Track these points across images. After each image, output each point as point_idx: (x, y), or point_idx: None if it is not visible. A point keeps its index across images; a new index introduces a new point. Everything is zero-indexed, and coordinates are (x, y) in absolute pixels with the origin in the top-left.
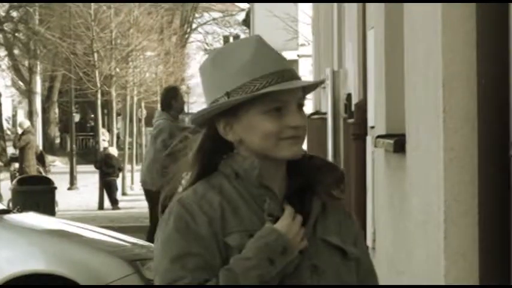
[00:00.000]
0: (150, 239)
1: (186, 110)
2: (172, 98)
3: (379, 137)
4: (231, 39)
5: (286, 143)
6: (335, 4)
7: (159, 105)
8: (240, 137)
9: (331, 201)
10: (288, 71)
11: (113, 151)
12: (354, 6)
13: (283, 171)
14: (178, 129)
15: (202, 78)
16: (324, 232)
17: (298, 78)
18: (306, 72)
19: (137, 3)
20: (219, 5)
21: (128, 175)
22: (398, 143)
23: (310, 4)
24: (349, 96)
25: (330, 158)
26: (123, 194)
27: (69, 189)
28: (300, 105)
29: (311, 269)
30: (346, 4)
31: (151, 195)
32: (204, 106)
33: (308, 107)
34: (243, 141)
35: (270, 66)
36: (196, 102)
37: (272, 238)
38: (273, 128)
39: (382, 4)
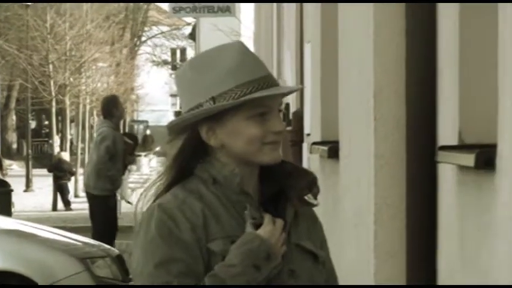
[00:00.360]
0: (96, 238)
1: (135, 117)
2: (113, 106)
3: (314, 143)
4: (178, 52)
5: (268, 148)
6: (275, 19)
7: None
8: (223, 141)
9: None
10: (269, 77)
11: (65, 156)
12: (293, 20)
13: (257, 176)
14: (120, 136)
15: (181, 83)
16: (298, 237)
17: (278, 84)
18: None
19: (90, 18)
20: (167, 20)
21: (80, 178)
22: (332, 150)
23: (252, 19)
24: (287, 105)
25: None
26: (76, 196)
27: (25, 191)
28: (279, 111)
29: (288, 274)
30: (285, 18)
31: (93, 198)
32: (151, 114)
33: None
34: (225, 146)
35: (254, 72)
36: (144, 111)
37: (255, 244)
38: (257, 133)
39: (319, 19)
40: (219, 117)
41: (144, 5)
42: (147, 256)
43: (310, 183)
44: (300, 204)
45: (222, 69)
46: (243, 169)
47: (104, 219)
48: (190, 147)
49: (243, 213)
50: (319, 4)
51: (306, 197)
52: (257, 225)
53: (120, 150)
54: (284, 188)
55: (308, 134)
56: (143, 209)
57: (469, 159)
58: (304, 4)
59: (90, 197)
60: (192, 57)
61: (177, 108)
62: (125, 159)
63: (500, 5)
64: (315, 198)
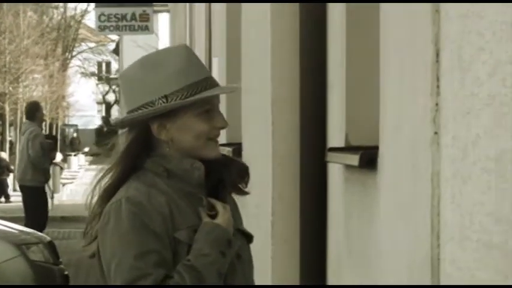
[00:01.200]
0: (29, 226)
1: (66, 122)
2: (36, 110)
3: (221, 145)
4: (104, 65)
5: (212, 144)
6: (188, 36)
7: None
8: (172, 136)
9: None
10: (211, 77)
11: (4, 155)
12: (202, 37)
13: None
14: (44, 135)
15: (130, 82)
16: (236, 223)
17: (218, 84)
18: None
19: (27, 35)
20: (94, 37)
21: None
22: (236, 151)
23: (168, 36)
24: None
25: None
26: (14, 190)
27: None
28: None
29: (237, 257)
30: (196, 35)
31: (28, 190)
32: (80, 119)
33: None
34: (174, 140)
35: (200, 73)
36: (74, 116)
37: (219, 233)
38: (205, 128)
39: (225, 36)
40: (170, 113)
41: (74, 24)
42: (124, 248)
43: (243, 172)
44: (235, 192)
45: (172, 70)
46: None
47: (36, 208)
48: (140, 141)
49: (196, 204)
50: (224, 22)
51: (240, 186)
52: (211, 216)
53: (46, 147)
54: (221, 179)
55: None
56: (93, 201)
57: (354, 159)
58: (212, 22)
59: (25, 189)
60: (141, 58)
61: (103, 114)
62: (49, 155)
63: (381, 9)
64: (246, 186)
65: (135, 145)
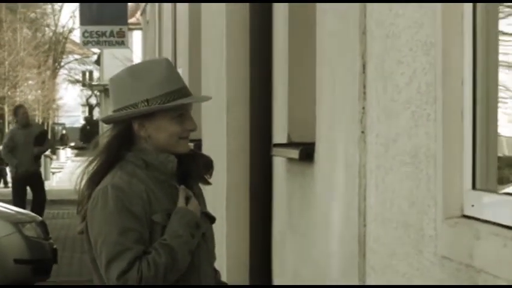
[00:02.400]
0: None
1: (56, 121)
2: (17, 111)
3: None
4: (87, 73)
5: (183, 142)
6: (157, 49)
7: (36, 118)
8: (150, 134)
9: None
10: (186, 87)
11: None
12: (169, 51)
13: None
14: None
15: (117, 86)
16: (202, 207)
17: (191, 94)
18: None
19: (22, 47)
20: (79, 50)
21: None
22: (197, 146)
23: (140, 50)
24: None
25: None
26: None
27: None
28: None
29: (202, 236)
30: (164, 49)
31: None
32: (67, 119)
33: None
34: (151, 137)
35: (177, 83)
36: (63, 116)
37: (190, 217)
38: (178, 130)
39: (187, 51)
40: (150, 115)
41: (63, 39)
42: (109, 227)
43: (208, 165)
44: (201, 182)
45: (155, 79)
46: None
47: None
48: (122, 136)
49: (169, 191)
50: (187, 40)
51: (205, 176)
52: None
53: (19, 143)
54: (190, 170)
55: None
56: (81, 185)
57: (294, 153)
58: (177, 38)
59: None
60: (129, 66)
61: (86, 115)
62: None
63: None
64: (211, 177)
65: (117, 139)
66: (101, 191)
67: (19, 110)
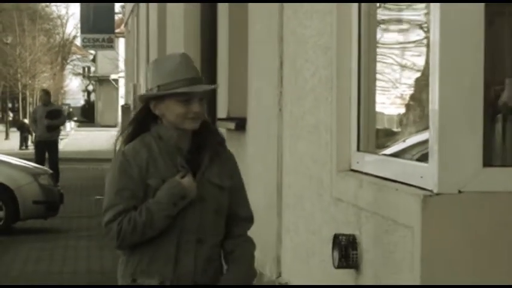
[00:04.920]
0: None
1: (64, 102)
2: (43, 94)
3: None
4: (86, 69)
5: (189, 121)
6: (135, 52)
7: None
8: (163, 112)
9: (219, 154)
10: (196, 78)
11: (26, 121)
12: (144, 53)
13: (189, 135)
14: (42, 109)
15: (147, 72)
16: (210, 176)
17: (202, 83)
18: (121, 84)
19: (39, 49)
20: (80, 52)
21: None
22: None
23: (124, 52)
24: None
25: None
26: (32, 142)
27: (5, 139)
28: (201, 99)
29: (199, 198)
30: (140, 52)
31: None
32: (71, 100)
33: (122, 102)
34: (164, 116)
35: (187, 73)
36: (68, 99)
37: (177, 189)
38: (182, 111)
39: (156, 49)
40: (161, 98)
41: (69, 43)
42: (110, 185)
43: (219, 141)
44: (213, 154)
45: (167, 69)
46: (178, 131)
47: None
48: (143, 113)
49: (174, 161)
50: (155, 45)
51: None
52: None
53: (38, 116)
54: (203, 143)
55: None
56: (117, 148)
57: (232, 125)
58: (150, 44)
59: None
60: (156, 58)
61: (85, 98)
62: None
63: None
64: (223, 151)
65: (140, 114)
66: (115, 155)
67: (42, 93)
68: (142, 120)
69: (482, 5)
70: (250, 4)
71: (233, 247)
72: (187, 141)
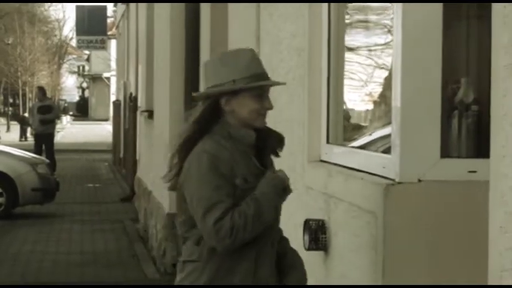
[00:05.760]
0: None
1: (61, 97)
2: (39, 91)
3: (142, 111)
4: (81, 67)
5: (261, 117)
6: (126, 52)
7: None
8: (234, 109)
9: (277, 152)
10: (266, 73)
11: (26, 115)
12: (133, 53)
13: (254, 134)
14: (37, 106)
15: (209, 68)
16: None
17: (269, 78)
18: (113, 82)
19: (38, 50)
20: (75, 52)
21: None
22: (151, 114)
23: (115, 52)
24: (131, 93)
25: (122, 121)
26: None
27: (6, 132)
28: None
29: None
30: (130, 52)
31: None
32: (67, 96)
33: (114, 98)
34: (234, 111)
35: (259, 68)
36: (64, 95)
37: (277, 181)
38: (257, 107)
39: (145, 52)
40: (235, 93)
41: (65, 44)
42: (203, 184)
43: (280, 140)
44: (273, 154)
45: (241, 63)
46: (247, 129)
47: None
48: (211, 110)
49: (247, 160)
50: (144, 45)
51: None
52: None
53: (34, 111)
54: (266, 144)
55: (139, 107)
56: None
57: None
58: (139, 45)
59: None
60: (220, 53)
61: (80, 94)
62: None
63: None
64: (281, 150)
65: (207, 112)
66: (196, 156)
67: (38, 89)
68: (209, 118)
69: (440, 10)
70: (230, 4)
71: (283, 249)
72: (253, 139)
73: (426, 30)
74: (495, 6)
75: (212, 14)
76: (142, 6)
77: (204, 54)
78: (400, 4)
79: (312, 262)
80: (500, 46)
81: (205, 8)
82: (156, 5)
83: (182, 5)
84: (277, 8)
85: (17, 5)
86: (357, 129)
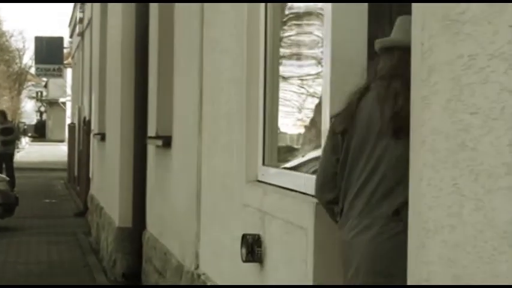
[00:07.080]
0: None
1: (20, 120)
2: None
3: (95, 134)
4: (39, 93)
5: None
6: (80, 80)
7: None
8: None
9: None
10: None
11: None
12: (87, 80)
13: None
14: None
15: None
16: None
17: None
18: (68, 106)
19: (0, 79)
20: (34, 79)
21: None
22: (103, 137)
23: (71, 80)
24: (84, 117)
25: (77, 143)
26: None
27: None
28: None
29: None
30: (85, 79)
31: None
32: (26, 119)
33: (69, 121)
34: None
35: None
36: (24, 118)
37: None
38: None
39: (97, 78)
40: None
41: (25, 72)
42: None
43: None
44: None
45: None
46: None
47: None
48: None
49: None
50: (97, 69)
51: None
52: None
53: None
54: None
55: (93, 130)
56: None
57: (159, 142)
58: (92, 73)
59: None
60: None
61: (38, 117)
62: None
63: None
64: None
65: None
66: None
67: (0, 113)
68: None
69: (365, 45)
70: (176, 30)
71: None
72: None
73: (352, 63)
74: (414, 39)
75: (160, 40)
76: (96, 36)
77: (152, 84)
78: (329, 39)
79: (248, 273)
80: (419, 79)
81: (153, 39)
82: (109, 34)
83: (133, 33)
84: (218, 44)
85: None
86: (290, 152)
